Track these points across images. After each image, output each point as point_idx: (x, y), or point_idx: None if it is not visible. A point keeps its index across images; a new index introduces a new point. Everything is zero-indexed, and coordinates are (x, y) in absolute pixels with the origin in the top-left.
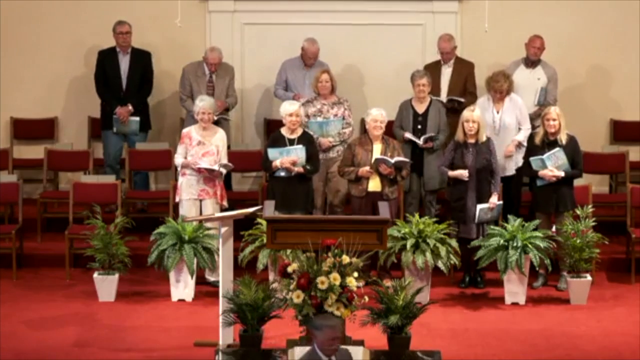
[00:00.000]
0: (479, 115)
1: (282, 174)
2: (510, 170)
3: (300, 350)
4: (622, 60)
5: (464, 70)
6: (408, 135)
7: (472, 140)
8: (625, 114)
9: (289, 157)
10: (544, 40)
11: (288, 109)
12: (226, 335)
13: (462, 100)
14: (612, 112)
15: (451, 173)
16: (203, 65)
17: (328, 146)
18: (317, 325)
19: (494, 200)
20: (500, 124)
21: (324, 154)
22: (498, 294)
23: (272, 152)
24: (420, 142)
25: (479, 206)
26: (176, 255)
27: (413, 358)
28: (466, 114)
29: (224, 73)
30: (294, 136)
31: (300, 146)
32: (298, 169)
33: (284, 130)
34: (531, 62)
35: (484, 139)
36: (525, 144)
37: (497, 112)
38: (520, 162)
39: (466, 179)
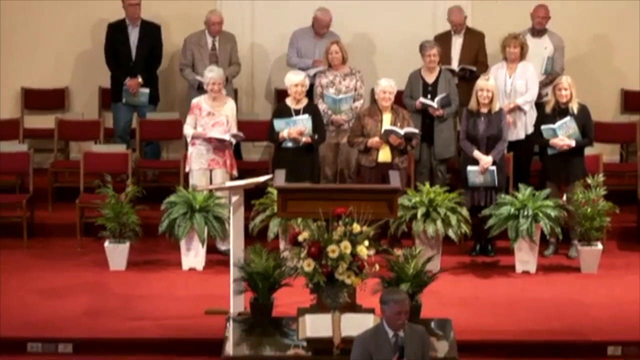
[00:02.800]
0: (494, 84)
1: (289, 144)
2: (517, 135)
3: (312, 318)
4: (629, 29)
5: (475, 40)
6: (422, 99)
7: (485, 110)
8: (634, 84)
9: (296, 128)
10: (549, 9)
11: (293, 79)
12: (237, 304)
13: (474, 69)
14: (621, 82)
15: (476, 154)
16: (205, 34)
17: (341, 123)
18: (384, 299)
19: (485, 160)
20: (512, 88)
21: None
22: (509, 262)
23: (277, 123)
24: (434, 104)
25: (469, 168)
26: (187, 224)
27: (423, 326)
28: (480, 82)
29: (226, 41)
30: (299, 106)
31: (306, 116)
32: (306, 139)
33: (289, 101)
34: (537, 31)
35: (497, 108)
36: (525, 108)
37: (510, 77)
38: (529, 128)
39: (485, 167)
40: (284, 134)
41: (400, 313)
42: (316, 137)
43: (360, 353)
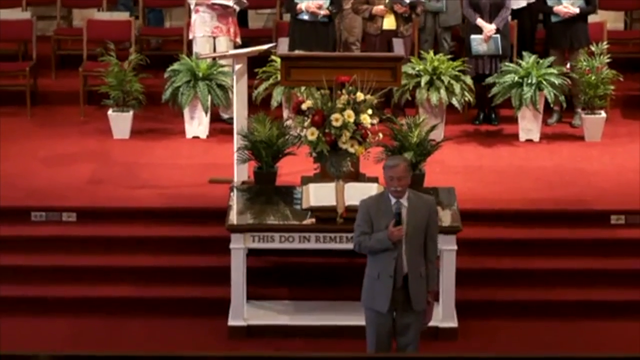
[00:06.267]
0: None
1: (306, 17)
2: (518, 4)
3: (316, 187)
4: None
5: None
6: None
7: None
8: None
9: (315, 2)
10: None
11: None
12: (240, 172)
13: None
14: None
15: (479, 22)
16: None
17: None
18: (383, 165)
19: (488, 28)
20: None
21: None
22: (512, 130)
23: None
24: None
25: (472, 36)
26: (190, 92)
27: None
28: None
29: None
30: None
31: None
32: (324, 12)
33: None
34: None
35: None
36: None
37: None
38: None
39: (489, 35)
40: (302, 6)
41: (392, 179)
42: (333, 9)
43: (362, 217)
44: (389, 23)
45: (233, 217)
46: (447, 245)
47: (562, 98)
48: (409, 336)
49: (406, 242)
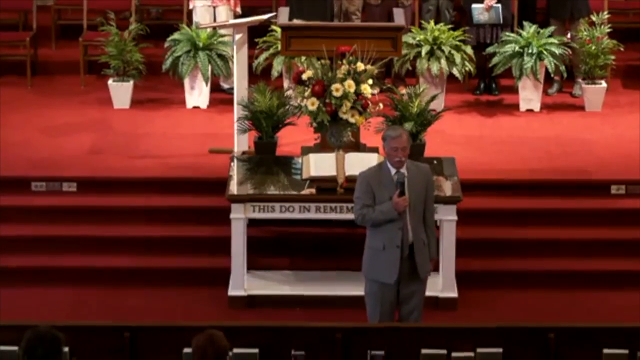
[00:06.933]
0: None
1: None
2: None
3: (316, 157)
4: None
5: None
6: None
7: None
8: None
9: None
10: None
11: None
12: (241, 142)
13: None
14: None
15: None
16: None
17: None
18: (383, 136)
19: None
20: None
21: None
22: (513, 100)
23: None
24: None
25: (473, 6)
26: (190, 62)
27: (428, 165)
28: None
29: None
30: None
31: None
32: None
33: None
34: None
35: None
36: None
37: None
38: None
39: (490, 4)
40: None
41: (396, 149)
42: None
43: (362, 189)
44: None
45: (233, 187)
46: (448, 216)
47: (562, 68)
48: (412, 303)
49: (410, 212)
